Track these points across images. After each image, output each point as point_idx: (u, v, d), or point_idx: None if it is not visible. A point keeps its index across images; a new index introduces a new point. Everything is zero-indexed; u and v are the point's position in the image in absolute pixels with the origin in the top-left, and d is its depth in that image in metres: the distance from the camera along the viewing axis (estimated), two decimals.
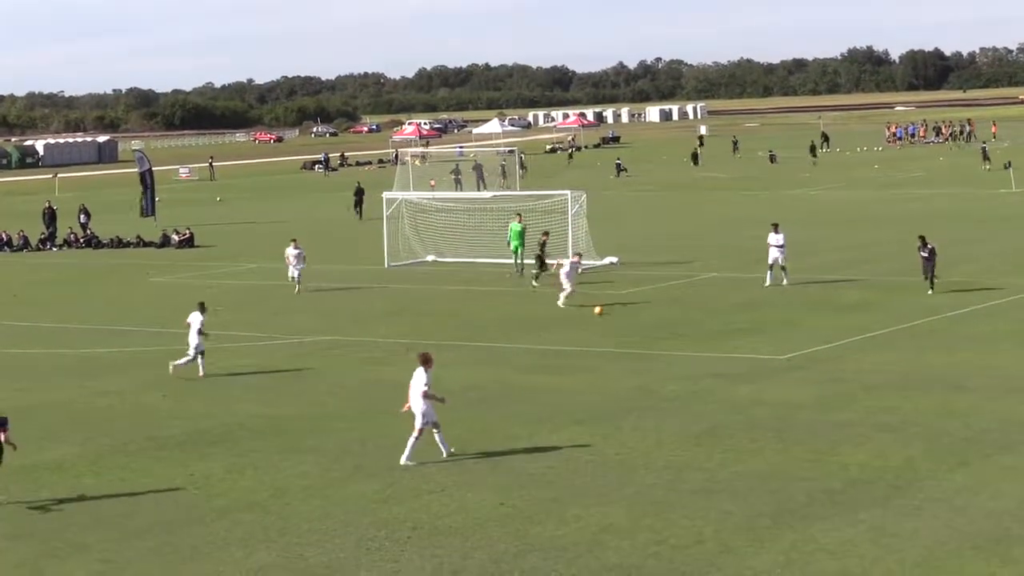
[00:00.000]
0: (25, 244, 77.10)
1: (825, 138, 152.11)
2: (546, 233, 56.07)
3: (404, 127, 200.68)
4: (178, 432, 31.73)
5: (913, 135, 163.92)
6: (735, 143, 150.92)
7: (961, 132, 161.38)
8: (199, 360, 38.33)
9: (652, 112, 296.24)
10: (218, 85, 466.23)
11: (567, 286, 47.72)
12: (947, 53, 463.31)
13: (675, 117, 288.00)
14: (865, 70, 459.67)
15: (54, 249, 76.92)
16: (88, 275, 64.46)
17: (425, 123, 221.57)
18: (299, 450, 29.61)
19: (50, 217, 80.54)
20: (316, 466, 28.25)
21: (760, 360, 37.73)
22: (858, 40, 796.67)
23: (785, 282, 50.19)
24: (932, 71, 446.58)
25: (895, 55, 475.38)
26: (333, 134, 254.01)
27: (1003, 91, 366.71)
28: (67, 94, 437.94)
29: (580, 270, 48.85)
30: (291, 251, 54.45)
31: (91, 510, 25.67)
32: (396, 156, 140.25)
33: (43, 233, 79.13)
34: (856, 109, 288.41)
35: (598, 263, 58.57)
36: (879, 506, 24.14)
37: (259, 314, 49.53)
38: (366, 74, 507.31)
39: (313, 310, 50.02)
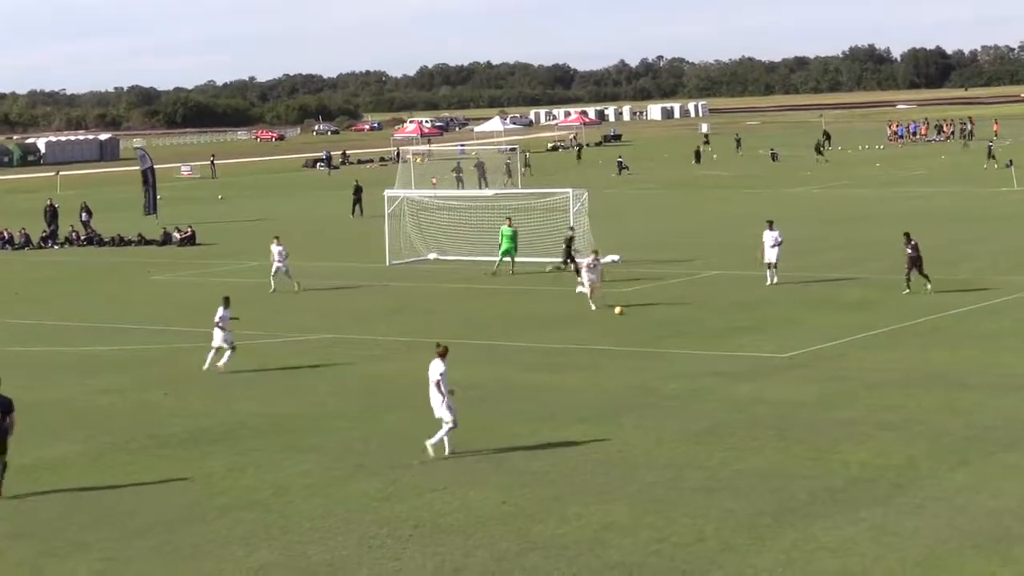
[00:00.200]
0: (27, 242, 77.09)
1: (827, 136, 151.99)
2: (572, 228, 55.94)
3: (405, 125, 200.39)
4: (179, 430, 31.73)
5: (915, 133, 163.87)
6: (738, 141, 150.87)
7: (963, 131, 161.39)
8: (224, 353, 38.21)
9: (654, 110, 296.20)
10: (220, 83, 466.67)
11: (586, 284, 47.16)
12: (949, 51, 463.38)
13: (677, 115, 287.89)
14: (867, 68, 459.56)
15: (56, 247, 76.91)
16: (89, 273, 64.46)
17: (427, 121, 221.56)
18: (301, 448, 29.61)
19: (52, 215, 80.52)
20: (318, 464, 28.24)
21: (762, 358, 37.73)
22: (860, 38, 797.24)
23: (776, 280, 50.11)
24: (934, 69, 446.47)
25: (897, 53, 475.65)
26: (335, 132, 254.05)
27: (1005, 89, 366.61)
28: (69, 92, 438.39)
29: (599, 267, 47.94)
30: (275, 248, 54.28)
31: (92, 508, 25.67)
32: (398, 154, 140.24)
33: (45, 231, 79.11)
34: (858, 107, 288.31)
35: (610, 259, 58.47)
36: (880, 504, 24.13)
37: (261, 312, 49.47)
38: (368, 72, 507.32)
39: (315, 308, 50.02)
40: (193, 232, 75.32)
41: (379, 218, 66.36)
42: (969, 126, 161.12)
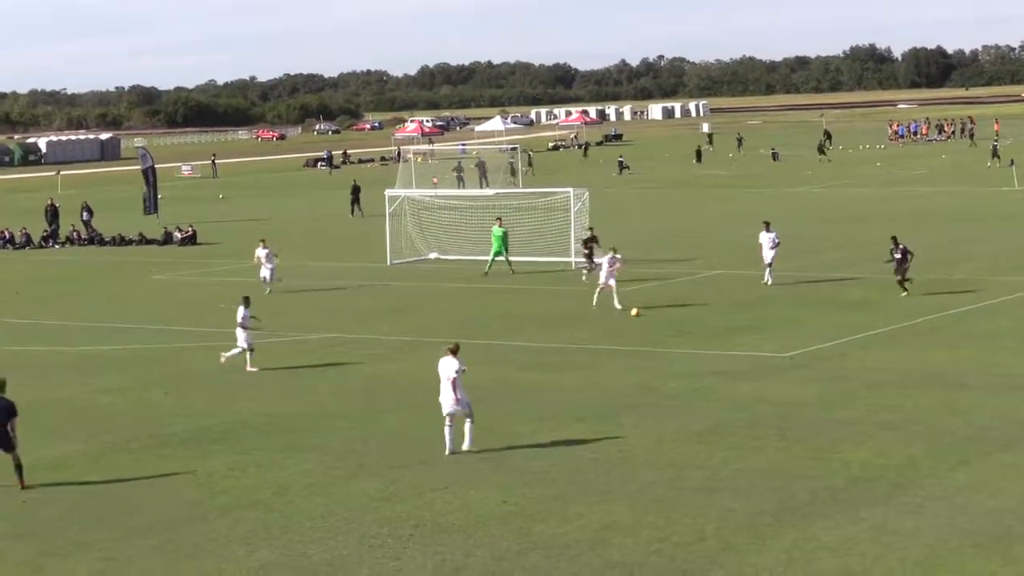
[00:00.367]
0: (28, 241, 77.15)
1: (828, 136, 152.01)
2: (591, 228, 55.73)
3: (406, 124, 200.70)
4: (180, 430, 31.76)
5: (915, 133, 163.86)
6: (739, 140, 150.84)
7: (963, 130, 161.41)
8: (245, 354, 38.42)
9: (655, 110, 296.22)
10: (221, 82, 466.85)
11: (602, 280, 46.87)
12: (950, 51, 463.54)
13: (678, 115, 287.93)
14: (868, 68, 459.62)
15: (56, 246, 76.96)
16: (90, 273, 64.49)
17: (427, 120, 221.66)
18: (302, 448, 29.63)
19: (52, 214, 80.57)
20: (319, 464, 28.26)
21: (762, 358, 37.75)
22: (861, 38, 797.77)
23: (771, 280, 50.03)
24: (935, 69, 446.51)
25: (897, 53, 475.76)
26: (336, 131, 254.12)
27: (1006, 89, 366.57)
28: (70, 91, 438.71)
29: (618, 265, 47.22)
30: (260, 251, 53.94)
31: (93, 508, 25.69)
32: (398, 153, 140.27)
33: (45, 230, 79.15)
34: (858, 107, 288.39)
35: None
36: (881, 504, 24.15)
37: (261, 311, 49.39)
38: (368, 71, 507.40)
39: (316, 308, 50.04)
40: (194, 232, 75.36)
41: (378, 217, 66.42)
42: (970, 125, 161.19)
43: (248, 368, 38.21)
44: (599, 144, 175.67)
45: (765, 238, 50.48)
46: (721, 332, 41.85)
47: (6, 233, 77.85)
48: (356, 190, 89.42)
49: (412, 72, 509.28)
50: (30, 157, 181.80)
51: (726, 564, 21.44)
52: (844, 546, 22.01)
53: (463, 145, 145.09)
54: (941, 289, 48.29)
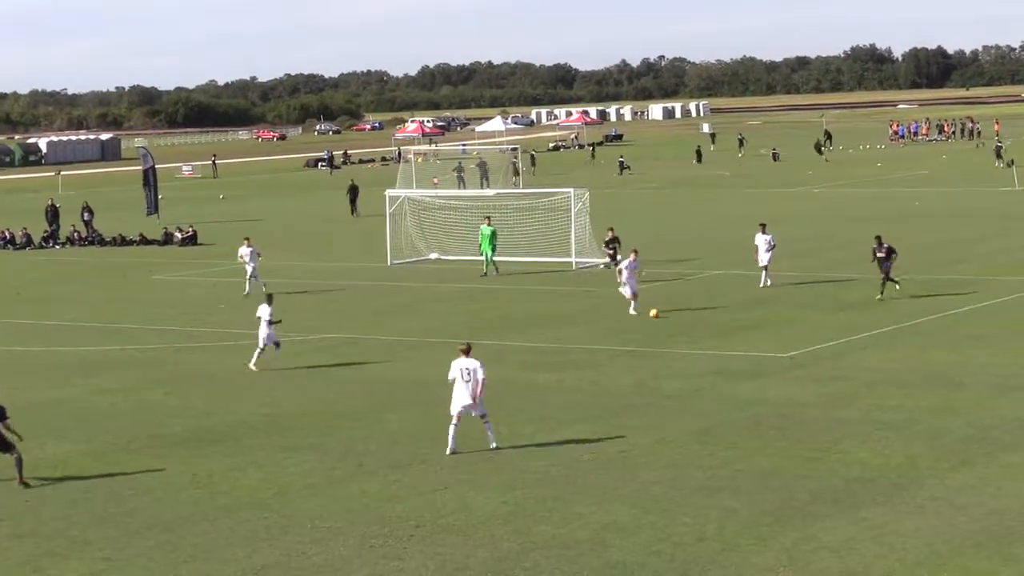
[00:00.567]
0: (28, 242, 77.17)
1: (828, 136, 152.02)
2: (611, 228, 55.49)
3: (407, 125, 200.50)
4: (181, 430, 31.75)
5: (916, 133, 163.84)
6: (741, 141, 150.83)
7: (963, 130, 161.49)
8: (274, 350, 38.30)
9: (655, 110, 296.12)
10: (221, 83, 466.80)
11: (627, 288, 45.73)
12: (950, 51, 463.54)
13: (678, 115, 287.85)
14: (868, 68, 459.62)
15: (57, 247, 76.98)
16: (91, 273, 64.50)
17: (428, 121, 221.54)
18: (302, 448, 29.63)
19: (53, 215, 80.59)
20: (319, 464, 28.26)
21: (763, 358, 37.74)
22: (861, 38, 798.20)
23: (766, 283, 49.90)
24: (935, 69, 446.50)
25: (898, 53, 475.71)
26: (336, 132, 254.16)
27: (1006, 89, 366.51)
28: (70, 92, 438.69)
29: (637, 267, 46.44)
30: (244, 250, 53.70)
31: (93, 508, 25.69)
32: (399, 154, 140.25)
33: (46, 231, 79.17)
34: (859, 107, 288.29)
35: (600, 261, 58.56)
36: (881, 504, 24.15)
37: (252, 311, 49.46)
38: (369, 72, 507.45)
39: (316, 308, 50.02)
40: (194, 232, 75.35)
41: (376, 217, 66.42)
42: (971, 125, 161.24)
43: (250, 366, 38.15)
44: (599, 144, 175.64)
45: (761, 240, 50.39)
46: (721, 332, 41.84)
47: (7, 233, 77.87)
48: (353, 190, 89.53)
49: (412, 72, 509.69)
50: (31, 157, 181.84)
51: (726, 564, 21.43)
52: (844, 546, 22.00)
53: (464, 145, 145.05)
54: (942, 289, 48.29)
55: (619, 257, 51.64)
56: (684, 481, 25.97)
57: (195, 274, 61.22)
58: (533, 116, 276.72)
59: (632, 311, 45.10)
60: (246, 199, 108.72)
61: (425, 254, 62.77)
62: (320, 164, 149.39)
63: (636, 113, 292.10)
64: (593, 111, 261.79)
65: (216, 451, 29.69)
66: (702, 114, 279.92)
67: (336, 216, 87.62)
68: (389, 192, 66.27)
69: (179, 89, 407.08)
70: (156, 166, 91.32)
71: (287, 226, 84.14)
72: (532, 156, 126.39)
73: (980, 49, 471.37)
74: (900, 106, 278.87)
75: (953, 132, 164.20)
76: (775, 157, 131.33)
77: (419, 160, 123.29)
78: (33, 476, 27.84)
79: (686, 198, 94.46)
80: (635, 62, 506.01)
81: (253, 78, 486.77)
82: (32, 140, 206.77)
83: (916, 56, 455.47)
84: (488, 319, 45.93)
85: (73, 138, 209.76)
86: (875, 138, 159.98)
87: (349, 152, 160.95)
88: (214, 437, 30.96)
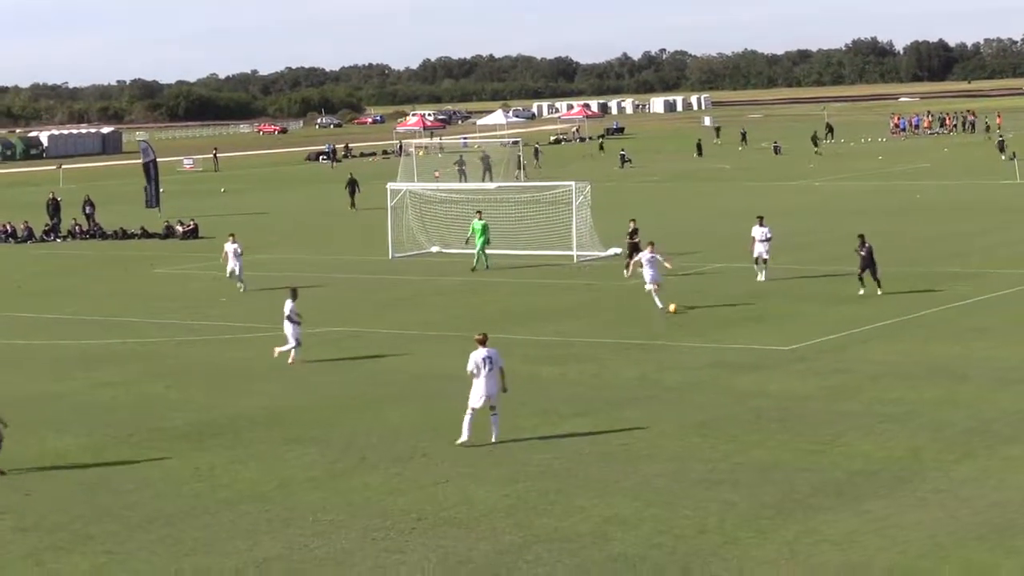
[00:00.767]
0: (29, 235, 77.14)
1: (829, 129, 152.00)
2: (633, 220, 54.58)
3: (408, 118, 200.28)
4: (182, 423, 31.74)
5: (917, 126, 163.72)
6: (743, 135, 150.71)
7: (964, 123, 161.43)
8: (293, 349, 38.16)
9: (656, 103, 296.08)
10: (222, 76, 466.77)
11: (648, 282, 44.67)
12: (952, 44, 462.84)
13: (679, 108, 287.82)
14: (869, 61, 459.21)
15: (58, 240, 76.97)
16: (92, 266, 64.49)
17: (429, 114, 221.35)
18: (303, 441, 29.62)
19: (54, 208, 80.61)
20: (320, 457, 28.25)
21: (764, 351, 37.72)
22: (862, 31, 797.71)
23: (764, 277, 49.72)
24: (936, 62, 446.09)
25: (899, 46, 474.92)
26: (337, 125, 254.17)
27: (1008, 82, 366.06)
28: (71, 85, 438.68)
29: (655, 260, 45.05)
30: (229, 246, 52.97)
31: (95, 501, 25.68)
32: (400, 147, 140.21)
33: (47, 224, 79.17)
34: (860, 100, 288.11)
35: (602, 254, 58.58)
36: (883, 497, 24.12)
37: (262, 305, 49.49)
38: (370, 65, 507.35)
39: (317, 301, 49.96)
40: (196, 225, 75.30)
41: (376, 211, 66.41)
42: (971, 118, 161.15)
43: (289, 361, 38.01)
44: (600, 137, 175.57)
45: (758, 232, 50.28)
46: (723, 325, 41.82)
47: (8, 227, 77.86)
48: (352, 183, 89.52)
49: (414, 66, 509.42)
50: (32, 151, 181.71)
51: (728, 557, 21.42)
52: (846, 539, 21.98)
53: (465, 139, 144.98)
54: (944, 282, 48.25)
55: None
56: (685, 474, 25.96)
57: (196, 267, 61.17)
58: (534, 109, 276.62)
59: (659, 303, 43.97)
60: (247, 192, 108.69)
61: (426, 247, 62.75)
62: (321, 157, 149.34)
63: (637, 106, 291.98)
64: (594, 104, 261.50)
65: (217, 444, 29.68)
66: (703, 107, 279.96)
67: (337, 209, 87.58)
68: (390, 185, 66.26)
69: (180, 83, 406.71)
70: (157, 159, 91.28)
71: (288, 219, 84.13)
72: (536, 150, 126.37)
73: (982, 42, 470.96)
74: (901, 99, 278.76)
75: (955, 125, 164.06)
76: (776, 150, 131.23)
77: (420, 153, 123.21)
78: (34, 469, 27.85)
79: (687, 191, 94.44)
80: (636, 55, 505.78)
81: (254, 71, 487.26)
82: (33, 134, 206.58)
83: (918, 49, 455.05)
84: (490, 312, 45.89)
85: (74, 132, 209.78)
86: (876, 131, 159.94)
87: (350, 145, 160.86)
88: (215, 430, 30.95)
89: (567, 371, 36.02)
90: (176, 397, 34.80)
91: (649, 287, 44.65)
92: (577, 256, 58.04)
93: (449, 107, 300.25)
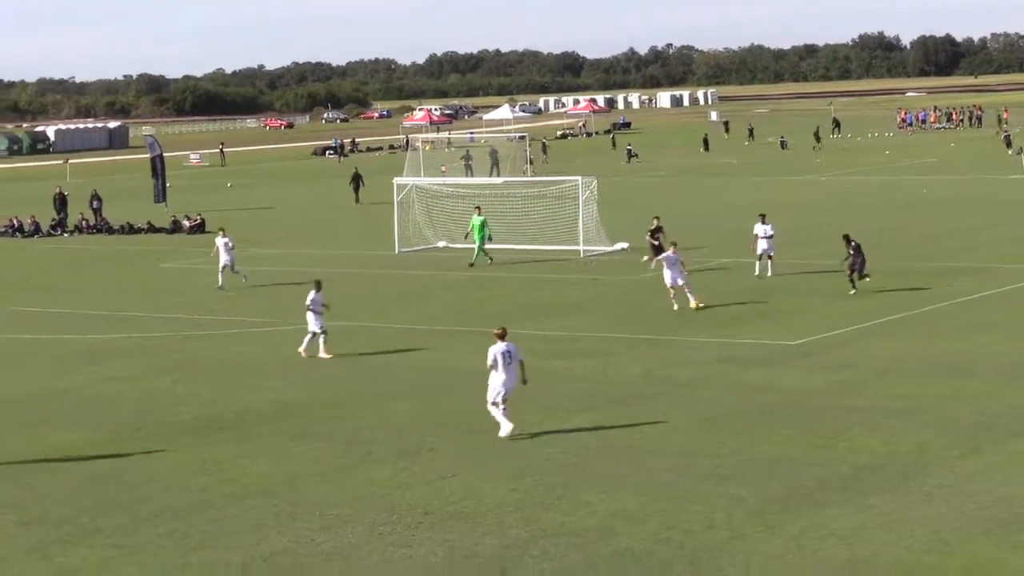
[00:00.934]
0: (36, 230, 77.19)
1: (836, 124, 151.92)
2: (657, 217, 53.97)
3: (415, 113, 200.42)
4: (188, 418, 31.77)
5: (924, 121, 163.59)
6: (751, 130, 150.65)
7: (971, 117, 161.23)
8: (317, 339, 38.06)
9: (663, 98, 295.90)
10: (229, 71, 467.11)
11: (680, 279, 43.71)
12: (958, 39, 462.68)
13: (686, 103, 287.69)
14: (876, 56, 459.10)
15: (65, 235, 77.03)
16: (99, 261, 64.54)
17: (436, 109, 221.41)
18: (310, 436, 29.64)
19: (61, 203, 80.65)
20: (327, 452, 28.27)
21: (771, 346, 37.71)
22: (869, 26, 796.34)
23: (769, 274, 49.55)
24: (943, 57, 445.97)
25: (906, 41, 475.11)
26: (344, 120, 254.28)
27: (1015, 77, 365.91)
28: (78, 80, 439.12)
29: (678, 260, 44.10)
30: (220, 240, 52.39)
31: (101, 495, 25.71)
32: (406, 142, 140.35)
33: (54, 219, 79.25)
34: (867, 95, 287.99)
35: (608, 249, 58.58)
36: (890, 492, 24.12)
37: (269, 300, 49.56)
38: (377, 60, 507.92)
39: (323, 296, 49.91)
40: (202, 220, 75.32)
41: (382, 205, 66.42)
42: (978, 113, 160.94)
43: (322, 354, 37.82)
44: (607, 132, 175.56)
45: (760, 229, 50.13)
46: (729, 320, 41.80)
47: (15, 221, 77.93)
48: (356, 177, 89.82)
49: (420, 60, 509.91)
50: (38, 145, 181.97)
51: (735, 552, 21.42)
52: (853, 533, 21.98)
53: (472, 133, 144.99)
54: (950, 277, 48.20)
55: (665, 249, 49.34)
56: (692, 469, 25.96)
57: (203, 262, 61.06)
58: (541, 104, 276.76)
59: (675, 305, 43.43)
60: (254, 187, 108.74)
61: (433, 242, 62.75)
62: (328, 152, 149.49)
63: (644, 101, 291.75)
64: (601, 99, 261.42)
65: (224, 439, 29.70)
66: (710, 102, 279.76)
67: (343, 204, 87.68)
68: (397, 180, 66.25)
69: (187, 77, 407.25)
70: (164, 154, 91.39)
71: (295, 214, 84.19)
72: (544, 144, 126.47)
73: (988, 37, 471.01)
74: (908, 94, 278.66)
75: (961, 120, 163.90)
76: (783, 145, 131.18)
77: (427, 148, 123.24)
78: (40, 462, 27.91)
79: (693, 186, 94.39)
80: (643, 50, 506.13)
81: (261, 66, 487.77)
82: (40, 128, 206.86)
83: (924, 44, 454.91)
84: (496, 307, 45.89)
85: (81, 126, 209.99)
86: (883, 126, 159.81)
87: (357, 140, 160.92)
88: (222, 425, 30.98)
89: (574, 366, 36.02)
90: (183, 392, 34.83)
91: (669, 286, 43.81)
92: (584, 251, 58.03)
93: (455, 102, 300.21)
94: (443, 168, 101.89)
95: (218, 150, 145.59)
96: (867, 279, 45.26)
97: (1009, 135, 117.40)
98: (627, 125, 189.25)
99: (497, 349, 28.81)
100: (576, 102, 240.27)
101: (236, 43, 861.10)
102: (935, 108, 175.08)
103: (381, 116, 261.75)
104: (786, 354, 36.65)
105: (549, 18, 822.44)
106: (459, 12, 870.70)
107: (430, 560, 21.60)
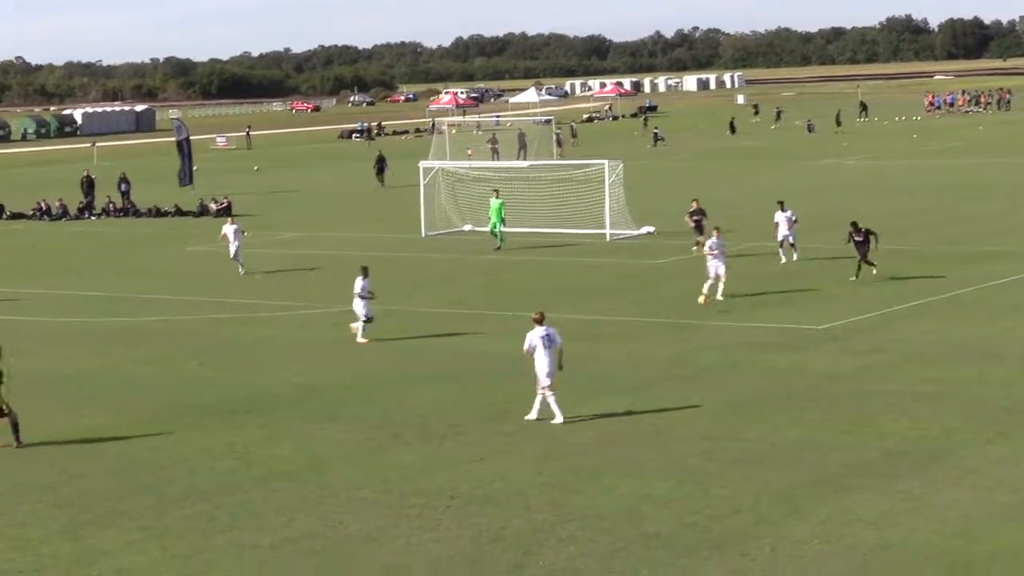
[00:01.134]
0: (64, 213, 77.42)
1: (863, 107, 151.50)
2: (696, 200, 53.16)
3: (441, 96, 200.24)
4: (216, 400, 31.86)
5: (951, 104, 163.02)
6: (779, 113, 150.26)
7: (1000, 101, 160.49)
8: (361, 326, 38.00)
9: (689, 81, 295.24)
10: (255, 54, 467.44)
11: (718, 269, 42.36)
12: (987, 21, 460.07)
13: (712, 86, 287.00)
14: (904, 39, 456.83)
15: (92, 218, 77.23)
16: (126, 244, 64.71)
17: (462, 92, 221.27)
18: (337, 419, 29.69)
19: (88, 186, 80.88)
20: (354, 435, 28.32)
21: (798, 330, 37.64)
22: (897, 8, 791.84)
23: (795, 258, 49.35)
24: (971, 39, 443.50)
25: (934, 23, 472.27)
26: (370, 103, 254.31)
27: None
28: (105, 63, 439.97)
29: (722, 248, 42.84)
30: (228, 228, 52.25)
31: (130, 478, 25.80)
32: (433, 125, 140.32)
33: (81, 202, 79.45)
34: (894, 78, 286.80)
35: (635, 232, 58.52)
36: (917, 476, 24.07)
37: (296, 283, 49.65)
38: (403, 43, 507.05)
39: (350, 279, 49.96)
40: (229, 203, 75.40)
41: (408, 188, 66.45)
42: (1007, 96, 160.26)
43: (359, 339, 37.93)
44: (633, 116, 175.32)
45: (781, 217, 49.90)
46: (756, 305, 41.72)
47: (43, 204, 78.17)
48: (381, 160, 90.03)
49: (446, 44, 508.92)
50: (66, 129, 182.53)
51: (761, 536, 21.40)
52: (881, 518, 21.94)
53: (498, 117, 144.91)
54: (978, 261, 48.05)
55: (704, 237, 48.09)
56: (719, 453, 25.94)
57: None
58: (567, 87, 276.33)
59: (719, 296, 42.06)
60: (280, 170, 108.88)
61: (459, 226, 62.75)
62: (355, 135, 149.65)
63: (670, 84, 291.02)
64: (627, 82, 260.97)
65: (251, 421, 29.77)
66: (736, 85, 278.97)
67: (370, 188, 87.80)
68: (423, 164, 66.25)
69: (213, 60, 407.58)
70: (190, 137, 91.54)
71: (321, 197, 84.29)
72: (572, 128, 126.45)
73: (1017, 19, 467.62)
74: (936, 77, 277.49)
75: (989, 103, 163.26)
76: (810, 129, 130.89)
77: (453, 131, 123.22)
78: (71, 443, 28.04)
79: (720, 170, 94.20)
80: (669, 33, 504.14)
81: (287, 49, 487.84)
82: (67, 112, 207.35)
83: (952, 27, 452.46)
84: (521, 291, 45.89)
85: (108, 109, 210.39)
86: (911, 110, 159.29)
87: (383, 124, 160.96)
88: (249, 407, 31.05)
89: (599, 350, 36.00)
90: (210, 374, 34.93)
91: (712, 276, 42.55)
92: (610, 235, 57.98)
93: (481, 85, 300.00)
94: (469, 151, 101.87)
95: (245, 133, 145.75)
96: (873, 269, 44.70)
97: None
98: (653, 109, 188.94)
99: (536, 334, 28.73)
100: (602, 85, 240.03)
101: (263, 26, 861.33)
102: (963, 91, 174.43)
103: (407, 99, 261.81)
104: (813, 339, 36.58)
105: (575, 1, 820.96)
106: None
107: (456, 543, 21.63)
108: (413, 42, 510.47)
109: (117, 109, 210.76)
